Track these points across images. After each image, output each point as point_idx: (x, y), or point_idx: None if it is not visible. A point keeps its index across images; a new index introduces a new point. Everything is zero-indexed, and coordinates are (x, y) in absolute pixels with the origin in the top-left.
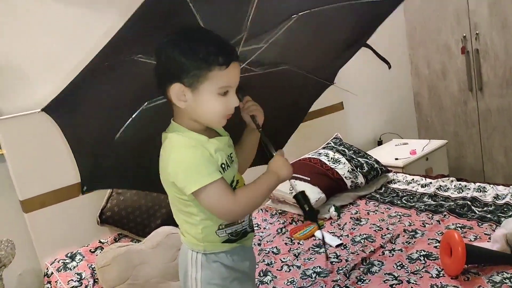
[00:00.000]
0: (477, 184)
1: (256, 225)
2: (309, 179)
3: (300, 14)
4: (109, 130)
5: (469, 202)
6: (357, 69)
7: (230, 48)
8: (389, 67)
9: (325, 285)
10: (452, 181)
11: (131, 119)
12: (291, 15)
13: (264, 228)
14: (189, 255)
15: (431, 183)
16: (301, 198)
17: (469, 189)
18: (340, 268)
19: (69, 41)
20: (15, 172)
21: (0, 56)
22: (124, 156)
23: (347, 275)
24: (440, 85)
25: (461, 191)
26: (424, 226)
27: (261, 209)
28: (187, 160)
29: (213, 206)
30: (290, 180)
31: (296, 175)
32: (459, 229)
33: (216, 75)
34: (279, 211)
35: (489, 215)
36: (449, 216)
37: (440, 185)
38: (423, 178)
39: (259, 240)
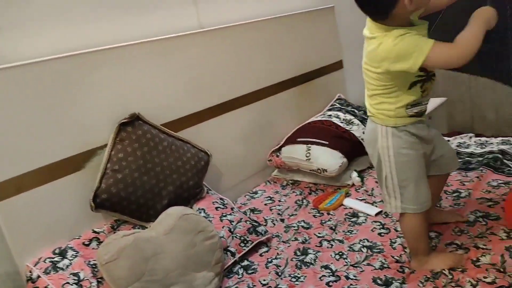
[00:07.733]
0: (499, 138)
1: (269, 198)
2: (327, 143)
3: None
4: None
5: (500, 155)
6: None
7: None
8: None
9: (386, 260)
10: (470, 137)
11: None
12: None
13: (280, 201)
14: (379, 129)
15: (448, 141)
16: None
17: (491, 143)
18: (393, 240)
19: None
20: None
21: None
22: None
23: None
24: None
25: (483, 146)
26: (464, 185)
27: (268, 181)
28: (405, 43)
29: (446, 59)
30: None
31: (313, 139)
32: (503, 185)
33: None
34: (290, 182)
35: None
36: (486, 171)
37: (460, 143)
38: None
39: (279, 214)
